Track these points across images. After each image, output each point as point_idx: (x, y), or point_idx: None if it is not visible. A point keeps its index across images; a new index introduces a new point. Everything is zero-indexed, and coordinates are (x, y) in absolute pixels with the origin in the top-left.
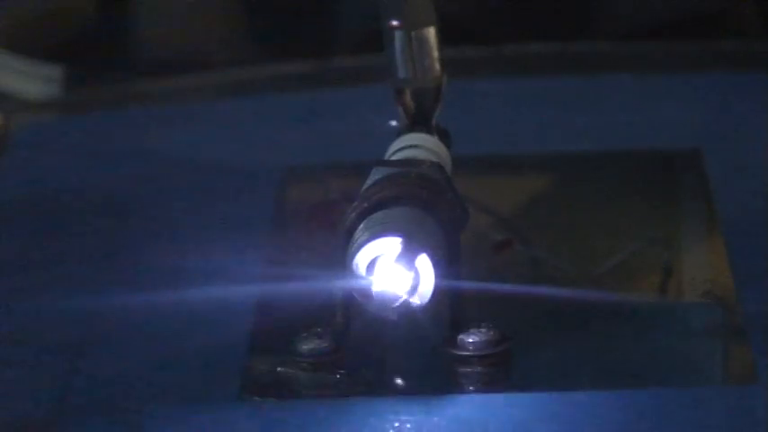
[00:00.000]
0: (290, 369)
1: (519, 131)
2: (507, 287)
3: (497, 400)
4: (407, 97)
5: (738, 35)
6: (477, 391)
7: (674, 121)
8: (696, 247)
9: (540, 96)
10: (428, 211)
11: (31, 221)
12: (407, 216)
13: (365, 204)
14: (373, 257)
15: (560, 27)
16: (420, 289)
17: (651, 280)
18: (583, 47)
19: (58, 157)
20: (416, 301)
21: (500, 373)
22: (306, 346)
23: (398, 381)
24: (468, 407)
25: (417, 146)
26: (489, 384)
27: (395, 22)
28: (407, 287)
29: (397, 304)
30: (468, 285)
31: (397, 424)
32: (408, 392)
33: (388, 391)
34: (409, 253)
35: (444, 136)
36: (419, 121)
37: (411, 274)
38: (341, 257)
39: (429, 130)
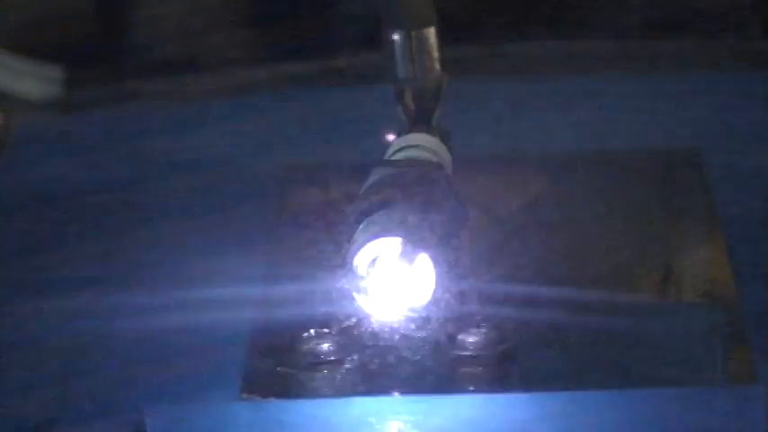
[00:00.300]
0: (290, 369)
1: (519, 131)
2: (507, 287)
3: (497, 400)
4: (408, 97)
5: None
6: (477, 391)
7: (674, 121)
8: (696, 247)
9: (540, 96)
10: (428, 211)
11: (31, 221)
12: (408, 216)
13: (365, 204)
14: (373, 257)
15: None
16: (420, 289)
17: (651, 280)
18: (583, 47)
19: (58, 157)
20: (416, 301)
21: (500, 373)
22: (306, 346)
23: (399, 381)
24: (468, 407)
25: (418, 146)
26: (489, 384)
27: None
28: (407, 287)
29: (398, 305)
30: (468, 285)
31: (397, 424)
32: (408, 392)
33: (388, 390)
34: (409, 253)
35: (444, 136)
36: (419, 122)
37: (411, 275)
38: (341, 257)
39: (429, 131)
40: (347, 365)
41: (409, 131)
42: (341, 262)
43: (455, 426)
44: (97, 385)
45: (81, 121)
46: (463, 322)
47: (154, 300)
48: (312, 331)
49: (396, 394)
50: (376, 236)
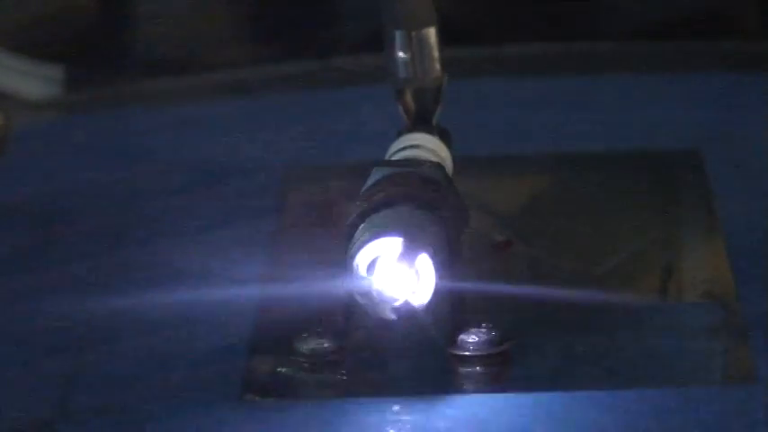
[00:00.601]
0: (290, 369)
1: (519, 131)
2: (507, 287)
3: (497, 400)
4: (408, 97)
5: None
6: (477, 391)
7: (674, 121)
8: (696, 247)
9: (540, 96)
10: (428, 211)
11: (31, 221)
12: (408, 216)
13: (365, 205)
14: (373, 258)
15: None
16: (420, 289)
17: (651, 280)
18: (583, 47)
19: (58, 157)
20: (416, 301)
21: (500, 373)
22: (306, 346)
23: (399, 381)
24: (468, 407)
25: (418, 146)
26: (489, 384)
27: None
28: (407, 287)
29: (398, 305)
30: (468, 285)
31: (397, 424)
32: (408, 392)
33: (388, 391)
34: (409, 253)
35: (444, 136)
36: (419, 122)
37: (411, 275)
38: (341, 257)
39: (429, 130)
40: (347, 366)
41: (409, 131)
42: (341, 262)
43: (455, 426)
44: (97, 385)
45: (81, 121)
46: (463, 322)
47: (153, 300)
48: (312, 331)
49: (396, 395)
50: (376, 236)
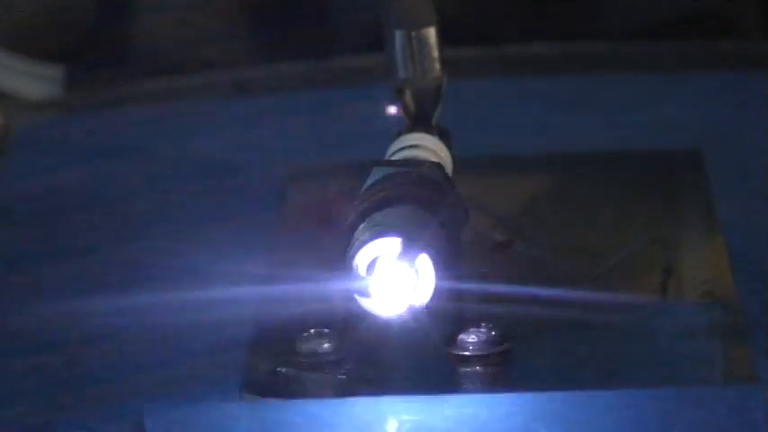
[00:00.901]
0: (290, 369)
1: (519, 131)
2: (507, 287)
3: (497, 400)
4: (408, 97)
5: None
6: (477, 391)
7: (674, 121)
8: (696, 247)
9: (540, 96)
10: (428, 211)
11: (31, 221)
12: (407, 216)
13: (365, 204)
14: (373, 258)
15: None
16: (420, 289)
17: (651, 280)
18: (583, 47)
19: (57, 157)
20: (416, 301)
21: (500, 373)
22: (306, 346)
23: (399, 381)
24: (468, 407)
25: (417, 146)
26: (489, 384)
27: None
28: (407, 287)
29: (397, 305)
30: (468, 285)
31: (397, 424)
32: (408, 392)
33: (388, 390)
34: (409, 253)
35: (444, 136)
36: (419, 122)
37: (411, 275)
38: (341, 257)
39: (429, 130)
40: (347, 365)
41: (409, 131)
42: (341, 262)
43: (455, 426)
44: (97, 385)
45: (81, 121)
46: (463, 322)
47: (153, 300)
48: (312, 331)
49: (396, 394)
50: (376, 236)
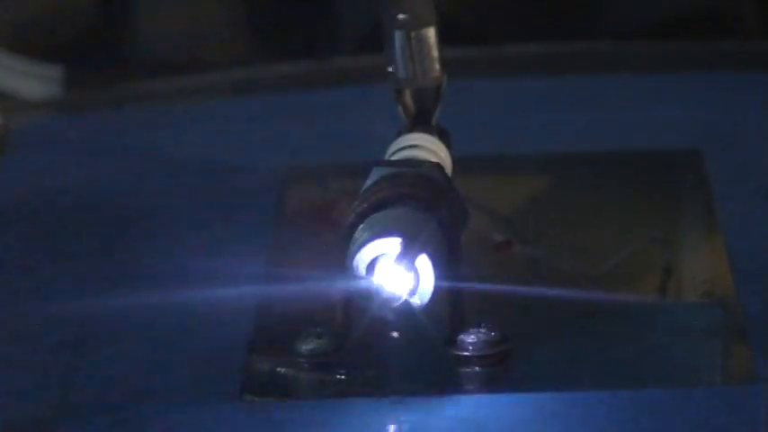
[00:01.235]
0: (290, 369)
1: (519, 131)
2: (507, 287)
3: (497, 400)
4: (407, 97)
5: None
6: (477, 391)
7: (674, 121)
8: (696, 247)
9: (540, 96)
10: (428, 211)
11: (31, 221)
12: (407, 216)
13: (365, 205)
14: (373, 258)
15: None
16: (420, 289)
17: (651, 280)
18: (583, 47)
19: (58, 157)
20: (416, 301)
21: (500, 373)
22: (306, 346)
23: (398, 381)
24: (468, 407)
25: (417, 146)
26: (489, 384)
27: (399, 17)
28: (407, 287)
29: (397, 305)
30: (468, 285)
31: (397, 424)
32: (408, 392)
33: (388, 391)
34: (409, 253)
35: (444, 136)
36: (419, 121)
37: (411, 275)
38: (341, 257)
39: (429, 130)
40: (347, 366)
41: (409, 131)
42: (341, 262)
43: (455, 426)
44: (97, 385)
45: (81, 121)
46: (463, 322)
47: (153, 300)
48: (312, 331)
49: (396, 394)
50: (375, 236)
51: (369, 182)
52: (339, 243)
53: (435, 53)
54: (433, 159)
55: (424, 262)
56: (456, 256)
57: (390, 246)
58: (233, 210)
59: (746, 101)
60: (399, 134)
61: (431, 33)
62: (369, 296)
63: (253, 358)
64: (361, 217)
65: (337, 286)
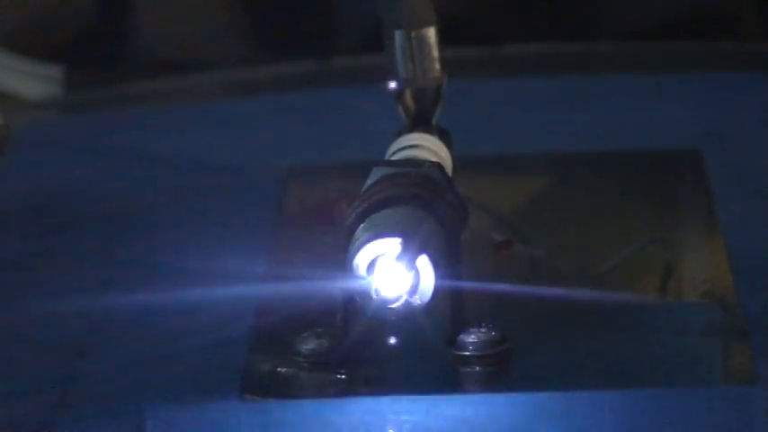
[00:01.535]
0: (290, 369)
1: (519, 131)
2: (507, 287)
3: (497, 400)
4: (407, 97)
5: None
6: (477, 391)
7: (674, 121)
8: (696, 247)
9: (540, 96)
10: (428, 211)
11: (31, 221)
12: (407, 216)
13: (365, 205)
14: (373, 258)
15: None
16: (420, 289)
17: (651, 280)
18: (583, 47)
19: (58, 157)
20: (416, 301)
21: (500, 373)
22: (306, 346)
23: (398, 381)
24: (468, 407)
25: (418, 146)
26: (489, 384)
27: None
28: (407, 287)
29: (397, 305)
30: (468, 285)
31: (396, 424)
32: (408, 392)
33: (388, 390)
34: (409, 253)
35: (444, 136)
36: (419, 122)
37: (411, 275)
38: (341, 257)
39: (429, 130)
40: (347, 366)
41: (409, 131)
42: (341, 262)
43: (455, 426)
44: (97, 385)
45: (81, 121)
46: (463, 322)
47: (154, 300)
48: (312, 331)
49: (396, 394)
50: (376, 236)
51: (369, 182)
52: (339, 243)
53: (435, 53)
54: (434, 159)
55: (424, 262)
56: (456, 256)
57: (390, 246)
58: (233, 210)
59: (746, 101)
60: (400, 134)
61: (431, 33)
62: (369, 296)
63: (253, 358)
64: (361, 217)
65: (337, 286)
